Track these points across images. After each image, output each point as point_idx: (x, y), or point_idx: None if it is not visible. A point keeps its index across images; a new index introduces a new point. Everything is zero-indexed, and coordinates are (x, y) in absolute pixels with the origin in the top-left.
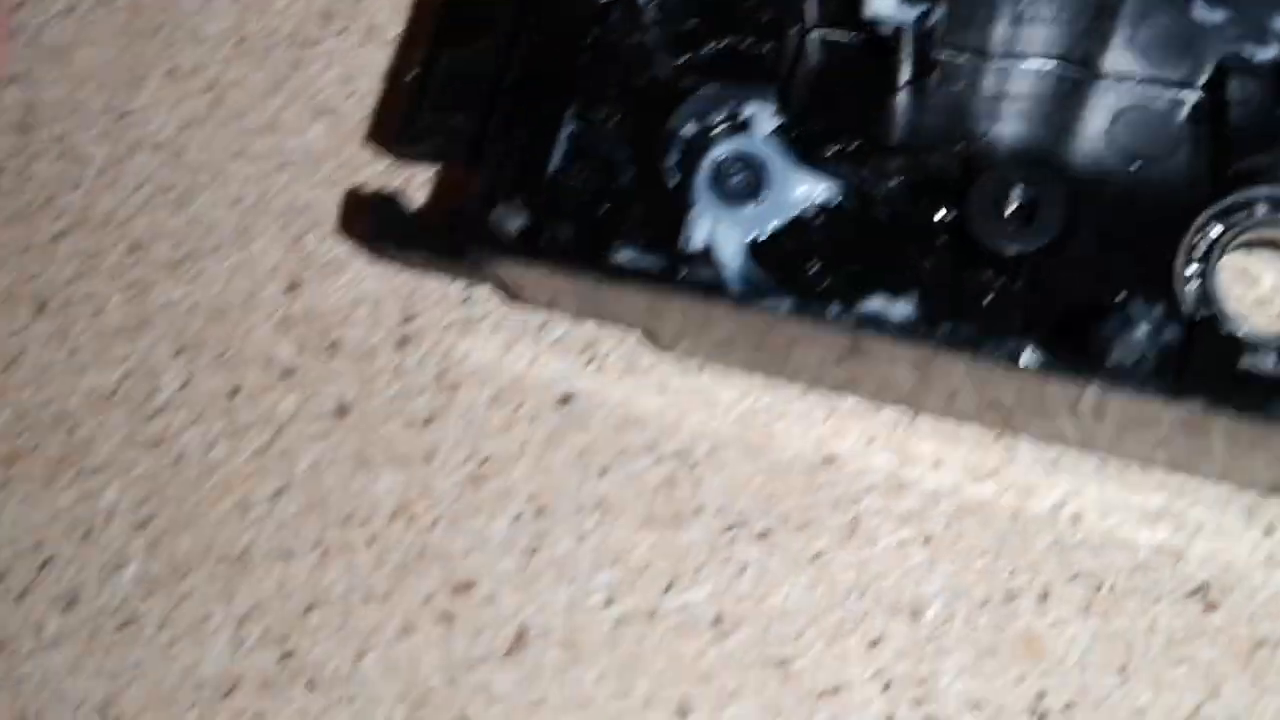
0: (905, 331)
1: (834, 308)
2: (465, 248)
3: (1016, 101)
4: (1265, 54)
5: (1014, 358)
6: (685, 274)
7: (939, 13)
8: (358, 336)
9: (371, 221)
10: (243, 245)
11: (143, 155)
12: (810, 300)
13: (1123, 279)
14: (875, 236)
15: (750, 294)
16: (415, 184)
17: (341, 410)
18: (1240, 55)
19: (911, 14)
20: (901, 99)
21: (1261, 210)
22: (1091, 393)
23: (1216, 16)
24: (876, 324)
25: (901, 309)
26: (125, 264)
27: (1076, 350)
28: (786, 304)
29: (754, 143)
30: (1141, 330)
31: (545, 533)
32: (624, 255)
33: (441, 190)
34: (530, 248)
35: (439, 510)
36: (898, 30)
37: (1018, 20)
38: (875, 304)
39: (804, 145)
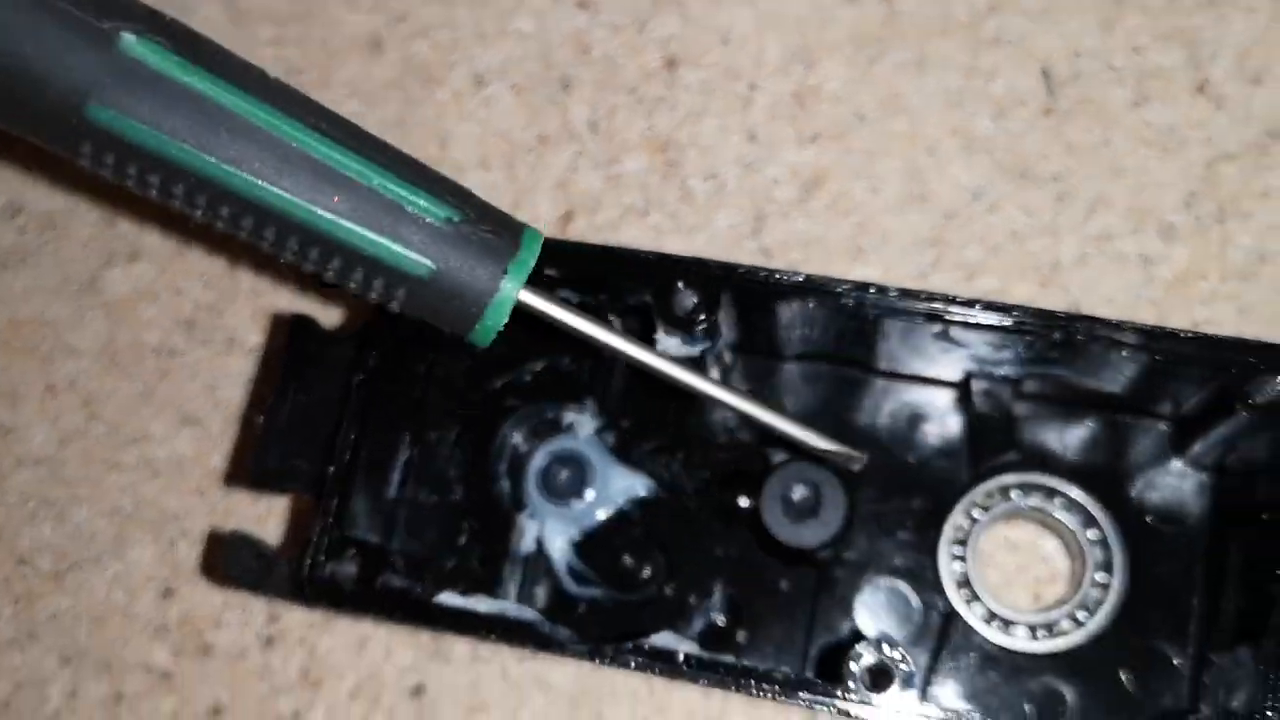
0: (689, 667)
1: (624, 649)
2: (307, 597)
3: (804, 396)
4: (1001, 370)
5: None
6: (504, 624)
7: (721, 343)
8: (228, 639)
9: (225, 563)
10: (120, 555)
11: (25, 471)
12: (601, 646)
13: (895, 567)
14: (687, 525)
15: (555, 642)
16: (275, 508)
17: (216, 711)
18: (983, 368)
19: (695, 349)
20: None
21: (1015, 495)
22: None
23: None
24: (665, 659)
25: (688, 646)
26: (13, 578)
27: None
28: (583, 650)
29: (577, 442)
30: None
31: None
32: (449, 599)
33: (296, 517)
34: (363, 598)
35: None
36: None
37: (795, 332)
38: (664, 639)
39: (622, 444)
